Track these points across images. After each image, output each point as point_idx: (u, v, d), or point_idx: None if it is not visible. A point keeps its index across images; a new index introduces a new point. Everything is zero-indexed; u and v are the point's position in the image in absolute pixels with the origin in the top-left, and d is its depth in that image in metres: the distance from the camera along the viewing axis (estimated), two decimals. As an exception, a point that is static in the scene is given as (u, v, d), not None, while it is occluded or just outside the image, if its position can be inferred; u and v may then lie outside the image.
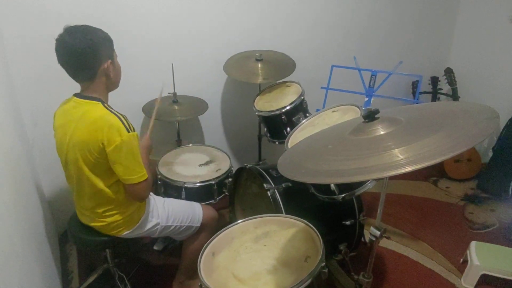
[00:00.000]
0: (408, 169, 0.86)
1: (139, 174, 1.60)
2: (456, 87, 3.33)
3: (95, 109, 1.58)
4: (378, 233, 1.31)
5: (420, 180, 3.33)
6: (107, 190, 1.65)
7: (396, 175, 0.88)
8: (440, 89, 3.52)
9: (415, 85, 3.47)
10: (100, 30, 1.59)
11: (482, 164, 3.33)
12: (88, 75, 1.59)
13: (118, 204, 1.70)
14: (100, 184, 1.63)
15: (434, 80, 3.51)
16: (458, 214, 2.87)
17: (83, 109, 1.58)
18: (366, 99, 2.52)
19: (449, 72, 3.36)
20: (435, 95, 3.53)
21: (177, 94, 2.52)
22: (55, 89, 2.18)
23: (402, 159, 0.92)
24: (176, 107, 2.49)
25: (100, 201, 1.69)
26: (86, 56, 1.53)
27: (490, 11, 3.33)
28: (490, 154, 3.24)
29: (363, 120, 1.21)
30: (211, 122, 2.99)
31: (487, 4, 3.34)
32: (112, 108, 1.61)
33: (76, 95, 1.64)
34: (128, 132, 1.55)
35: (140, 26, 2.47)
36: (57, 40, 1.52)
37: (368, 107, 2.38)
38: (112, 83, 1.68)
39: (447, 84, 3.38)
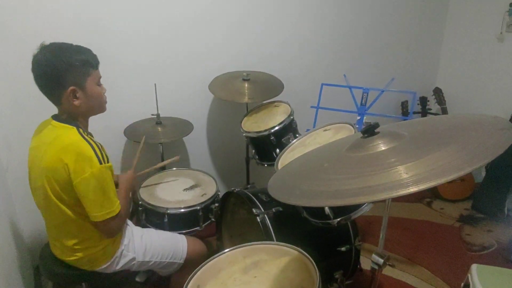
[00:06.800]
0: (422, 187, 0.75)
1: (107, 210, 1.45)
2: (446, 107, 3.34)
3: (67, 134, 1.44)
4: (381, 261, 1.19)
5: (413, 202, 3.24)
6: (77, 220, 1.50)
7: (405, 194, 0.77)
8: (429, 109, 3.50)
9: (404, 105, 3.45)
10: (78, 52, 1.44)
11: (476, 184, 3.26)
12: (53, 99, 1.47)
13: (89, 236, 1.56)
14: (69, 212, 1.49)
15: (423, 100, 3.50)
16: (455, 236, 2.77)
17: (56, 133, 1.45)
18: (359, 117, 2.44)
19: (438, 92, 3.38)
20: (424, 115, 3.51)
21: (161, 115, 2.42)
22: (32, 110, 2.07)
23: (411, 176, 0.81)
24: (159, 128, 2.38)
25: (70, 231, 1.54)
26: (47, 80, 1.42)
27: (476, 31, 3.37)
28: (483, 173, 3.18)
29: (361, 135, 1.11)
30: (197, 144, 2.87)
31: (473, 24, 3.38)
32: (87, 135, 1.47)
33: (53, 117, 1.51)
34: (100, 163, 1.40)
35: (123, 45, 2.37)
36: (33, 56, 1.42)
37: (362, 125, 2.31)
38: (84, 110, 1.50)
39: (436, 103, 3.38)
